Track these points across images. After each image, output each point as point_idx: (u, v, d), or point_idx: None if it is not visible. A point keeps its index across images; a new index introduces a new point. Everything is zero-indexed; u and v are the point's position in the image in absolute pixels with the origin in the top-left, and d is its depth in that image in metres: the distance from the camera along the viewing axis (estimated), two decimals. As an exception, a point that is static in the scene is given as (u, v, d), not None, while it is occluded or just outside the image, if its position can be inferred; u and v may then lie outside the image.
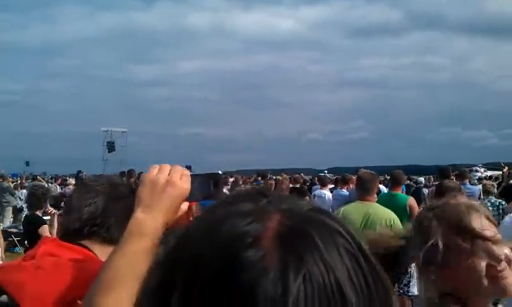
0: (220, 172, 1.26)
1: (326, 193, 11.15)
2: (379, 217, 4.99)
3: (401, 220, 6.29)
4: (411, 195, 12.16)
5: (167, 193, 1.16)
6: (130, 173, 12.37)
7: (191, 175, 1.20)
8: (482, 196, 8.94)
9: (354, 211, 5.21)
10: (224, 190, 11.38)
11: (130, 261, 1.10)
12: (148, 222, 1.15)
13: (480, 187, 10.59)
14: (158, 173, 1.19)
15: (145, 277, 0.56)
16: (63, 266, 1.51)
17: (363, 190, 5.31)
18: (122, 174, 13.94)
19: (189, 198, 1.19)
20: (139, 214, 1.16)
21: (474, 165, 56.86)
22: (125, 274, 1.09)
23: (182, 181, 1.18)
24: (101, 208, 1.67)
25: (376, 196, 5.37)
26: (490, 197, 8.30)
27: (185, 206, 1.20)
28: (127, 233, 1.16)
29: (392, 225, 4.91)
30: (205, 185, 1.22)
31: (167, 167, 1.20)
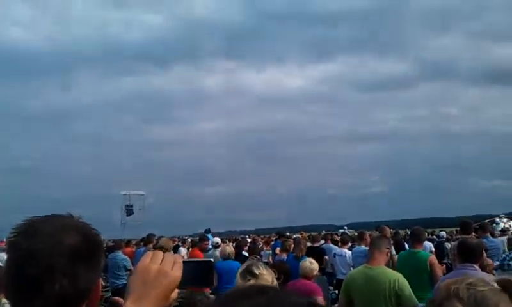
0: (212, 260, 1.26)
1: (347, 251, 11.29)
2: (383, 279, 4.92)
3: (422, 278, 6.27)
4: (435, 249, 12.11)
5: (159, 282, 1.16)
6: (149, 237, 12.37)
7: (183, 262, 1.21)
8: (506, 249, 8.75)
9: (358, 275, 5.23)
10: (244, 252, 11.44)
11: None
12: None
13: (504, 239, 10.42)
14: (150, 262, 1.19)
15: None
16: None
17: (375, 252, 5.26)
18: (143, 239, 14.01)
19: (180, 286, 1.19)
20: (129, 305, 1.15)
21: (497, 215, 55.90)
22: None
23: (174, 269, 1.19)
24: None
25: (386, 256, 5.28)
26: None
27: (175, 294, 1.21)
28: None
29: (396, 286, 4.84)
30: (198, 272, 1.22)
31: (159, 255, 1.20)
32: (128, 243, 15.74)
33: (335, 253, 11.54)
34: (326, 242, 13.94)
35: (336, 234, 20.76)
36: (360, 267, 5.64)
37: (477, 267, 4.81)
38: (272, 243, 16.94)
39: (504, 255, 8.06)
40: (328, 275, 12.11)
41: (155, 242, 11.53)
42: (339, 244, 12.80)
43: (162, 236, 13.16)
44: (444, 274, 6.56)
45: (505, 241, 9.46)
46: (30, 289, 1.19)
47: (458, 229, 11.27)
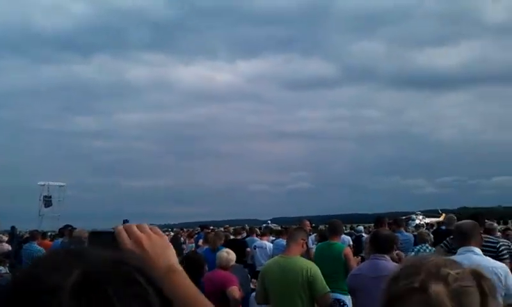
0: (113, 229, 1.15)
1: (267, 243, 11.52)
2: (296, 268, 5.05)
3: (337, 269, 6.47)
4: (353, 243, 12.54)
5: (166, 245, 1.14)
6: (65, 228, 11.93)
7: (93, 233, 1.13)
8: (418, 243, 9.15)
9: (273, 265, 5.36)
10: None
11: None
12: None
13: (415, 234, 10.99)
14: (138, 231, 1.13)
15: None
16: None
17: (287, 245, 5.41)
18: (60, 230, 13.46)
19: None
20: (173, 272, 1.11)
21: (413, 213, 58.83)
22: None
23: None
24: None
25: (301, 247, 5.40)
26: (426, 245, 8.54)
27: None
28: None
29: (309, 274, 4.97)
30: (108, 242, 1.12)
31: (133, 227, 1.13)
32: (44, 235, 15.10)
33: (255, 245, 11.72)
34: (250, 236, 14.06)
35: (260, 228, 20.96)
36: (275, 257, 5.79)
37: (388, 257, 4.99)
38: (196, 236, 16.89)
39: (416, 248, 8.44)
40: (249, 267, 12.22)
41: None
42: (262, 236, 12.98)
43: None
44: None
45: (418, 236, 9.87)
46: None
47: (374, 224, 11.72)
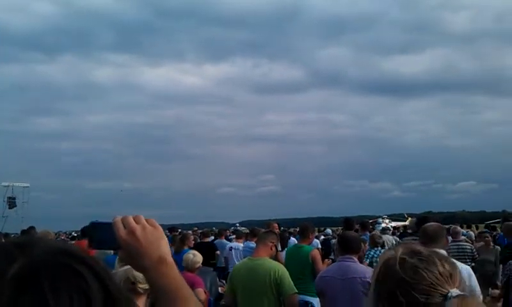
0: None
1: (240, 245, 11.65)
2: (263, 270, 5.07)
3: (305, 271, 6.53)
4: (321, 245, 12.65)
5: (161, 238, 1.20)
6: (29, 231, 11.65)
7: (96, 223, 1.20)
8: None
9: (241, 267, 5.41)
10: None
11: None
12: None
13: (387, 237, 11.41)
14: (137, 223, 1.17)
15: None
16: None
17: (259, 245, 5.42)
18: (23, 232, 13.15)
19: (96, 247, 1.22)
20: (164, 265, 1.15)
21: (380, 216, 59.72)
22: None
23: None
24: None
25: (270, 250, 5.43)
26: (379, 248, 8.69)
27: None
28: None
29: (276, 276, 4.99)
30: (111, 234, 1.17)
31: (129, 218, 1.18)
32: (6, 236, 14.78)
33: (231, 247, 11.80)
34: (220, 238, 14.03)
35: (228, 230, 21.02)
36: (244, 259, 5.85)
37: (355, 258, 5.04)
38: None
39: (370, 253, 8.57)
40: (220, 269, 12.19)
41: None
42: (233, 238, 13.03)
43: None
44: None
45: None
46: None
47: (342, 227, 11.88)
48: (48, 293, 0.62)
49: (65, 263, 0.67)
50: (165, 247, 1.17)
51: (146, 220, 1.17)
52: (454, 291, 1.26)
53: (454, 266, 1.35)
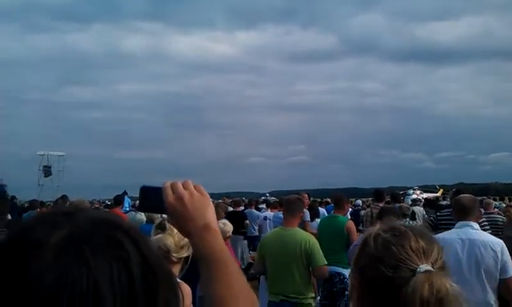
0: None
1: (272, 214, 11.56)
2: (294, 240, 5.09)
3: (340, 242, 6.50)
4: (351, 216, 12.62)
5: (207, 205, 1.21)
6: (63, 199, 11.92)
7: (147, 187, 1.23)
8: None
9: (272, 236, 5.43)
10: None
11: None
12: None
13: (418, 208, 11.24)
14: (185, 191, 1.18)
15: None
16: None
17: (287, 216, 5.41)
18: (58, 200, 13.46)
19: (145, 210, 1.29)
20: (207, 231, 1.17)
21: (411, 188, 59.13)
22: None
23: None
24: None
25: (299, 220, 5.47)
26: (407, 219, 8.59)
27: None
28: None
29: (307, 246, 5.01)
30: (160, 198, 1.19)
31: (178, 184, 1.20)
32: (43, 204, 15.17)
33: (265, 216, 11.74)
34: (250, 208, 14.13)
35: (257, 201, 21.05)
36: (275, 229, 5.85)
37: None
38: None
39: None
40: (252, 238, 12.29)
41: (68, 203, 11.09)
42: (268, 208, 13.00)
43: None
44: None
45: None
46: None
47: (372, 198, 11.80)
48: (89, 260, 0.64)
49: (106, 232, 0.69)
50: (211, 215, 1.18)
51: (194, 187, 1.19)
52: (423, 267, 1.26)
53: (430, 242, 1.35)
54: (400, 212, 5.33)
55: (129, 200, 16.35)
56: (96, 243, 0.66)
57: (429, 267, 1.27)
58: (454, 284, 1.24)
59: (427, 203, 16.23)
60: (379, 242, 1.37)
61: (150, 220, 7.51)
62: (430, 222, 6.79)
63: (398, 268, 1.29)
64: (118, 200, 11.17)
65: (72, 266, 0.63)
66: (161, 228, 3.18)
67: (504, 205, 17.44)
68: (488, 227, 6.25)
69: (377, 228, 1.44)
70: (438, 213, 7.12)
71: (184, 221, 1.16)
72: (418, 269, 1.26)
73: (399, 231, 1.38)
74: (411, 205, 12.57)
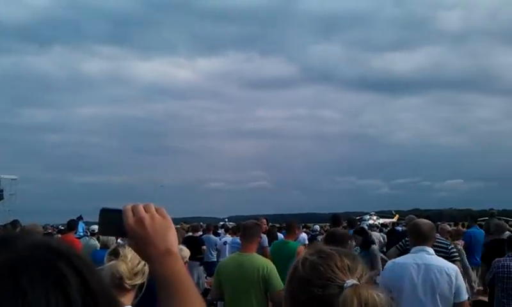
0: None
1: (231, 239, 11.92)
2: (252, 265, 5.09)
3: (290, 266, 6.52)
4: (308, 241, 12.71)
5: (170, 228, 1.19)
6: (14, 224, 11.54)
7: (106, 210, 1.20)
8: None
9: (229, 262, 5.45)
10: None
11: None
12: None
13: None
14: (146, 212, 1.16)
15: None
16: None
17: (245, 241, 5.42)
18: (5, 226, 13.01)
19: (103, 233, 1.18)
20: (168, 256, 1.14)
21: (368, 213, 59.98)
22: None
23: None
24: None
25: (257, 245, 5.48)
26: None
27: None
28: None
29: (265, 272, 5.02)
30: (119, 221, 1.16)
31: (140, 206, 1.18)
32: (-10, 229, 14.66)
33: (225, 241, 11.99)
34: (208, 233, 14.02)
35: (217, 225, 20.99)
36: (232, 254, 5.90)
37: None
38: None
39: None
40: (210, 264, 12.23)
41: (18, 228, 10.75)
42: (227, 233, 13.13)
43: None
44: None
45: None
46: None
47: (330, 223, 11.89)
48: (26, 289, 0.62)
49: (45, 258, 0.67)
50: (172, 238, 1.16)
51: (156, 210, 1.17)
52: (350, 282, 1.31)
53: (354, 260, 1.41)
54: (346, 238, 5.39)
55: (83, 225, 16.03)
56: (33, 269, 0.64)
57: (355, 281, 1.32)
58: (383, 294, 1.28)
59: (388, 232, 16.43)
60: (307, 264, 1.41)
61: (104, 246, 7.31)
62: (399, 247, 6.88)
63: (327, 287, 1.33)
64: (72, 225, 10.90)
65: (7, 295, 0.61)
66: (114, 254, 3.09)
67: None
68: (457, 255, 6.41)
69: (306, 252, 1.49)
70: (406, 238, 7.23)
71: (144, 245, 1.13)
72: (345, 284, 1.31)
73: (325, 253, 1.43)
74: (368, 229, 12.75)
